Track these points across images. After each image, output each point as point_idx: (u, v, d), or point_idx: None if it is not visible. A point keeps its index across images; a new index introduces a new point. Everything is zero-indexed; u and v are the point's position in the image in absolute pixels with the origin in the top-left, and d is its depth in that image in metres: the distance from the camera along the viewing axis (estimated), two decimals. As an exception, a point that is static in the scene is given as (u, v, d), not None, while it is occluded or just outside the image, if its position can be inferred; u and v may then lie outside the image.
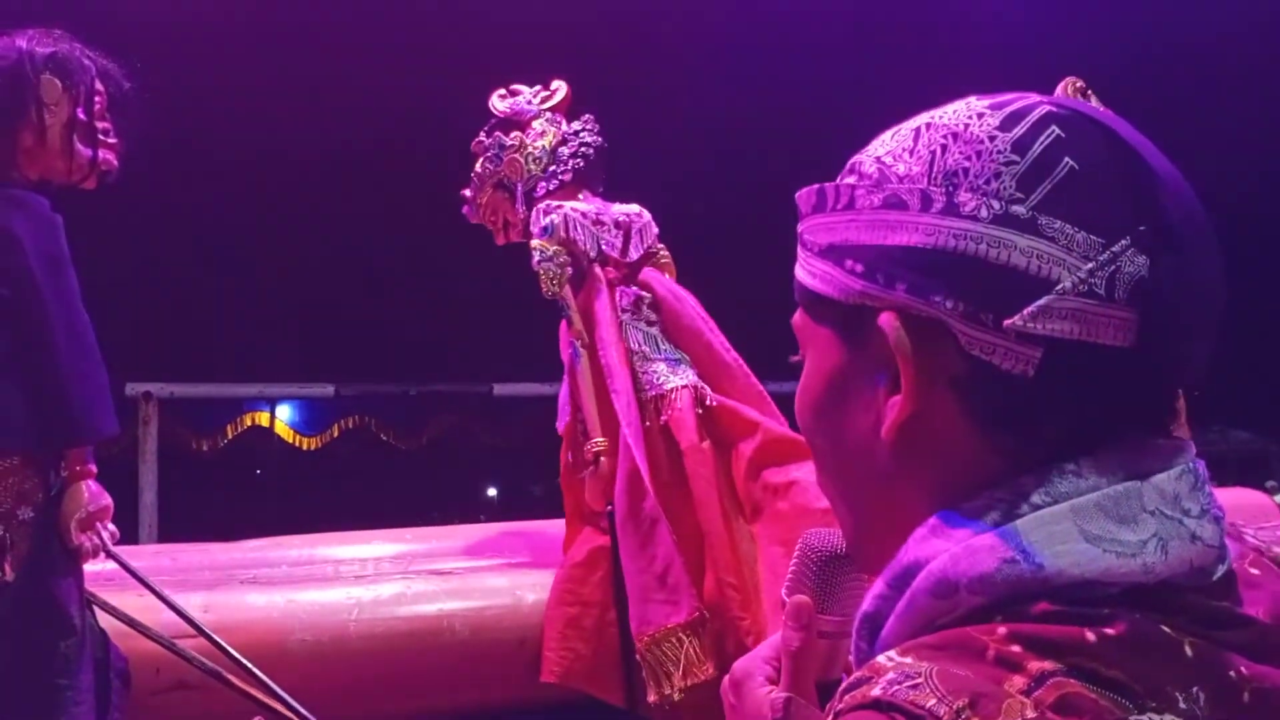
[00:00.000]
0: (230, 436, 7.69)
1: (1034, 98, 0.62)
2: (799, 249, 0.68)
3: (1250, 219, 5.97)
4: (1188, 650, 0.54)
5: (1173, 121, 5.24)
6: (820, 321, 0.66)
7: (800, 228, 0.68)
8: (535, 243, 2.79)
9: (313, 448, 7.91)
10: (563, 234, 2.80)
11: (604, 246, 2.86)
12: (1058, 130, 0.60)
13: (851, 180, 0.65)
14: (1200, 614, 0.56)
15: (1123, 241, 0.57)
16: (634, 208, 2.99)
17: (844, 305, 0.63)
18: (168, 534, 4.72)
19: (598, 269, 2.84)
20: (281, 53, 5.51)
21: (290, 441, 7.91)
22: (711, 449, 2.68)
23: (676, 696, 2.45)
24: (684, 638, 2.49)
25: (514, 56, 3.26)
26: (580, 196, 2.91)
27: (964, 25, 6.11)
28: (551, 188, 2.91)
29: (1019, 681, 0.51)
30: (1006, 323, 0.57)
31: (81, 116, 2.29)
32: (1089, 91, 3.33)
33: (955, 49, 5.91)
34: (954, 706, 0.50)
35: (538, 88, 3.04)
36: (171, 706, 2.34)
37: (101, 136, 2.33)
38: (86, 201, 2.36)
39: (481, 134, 2.99)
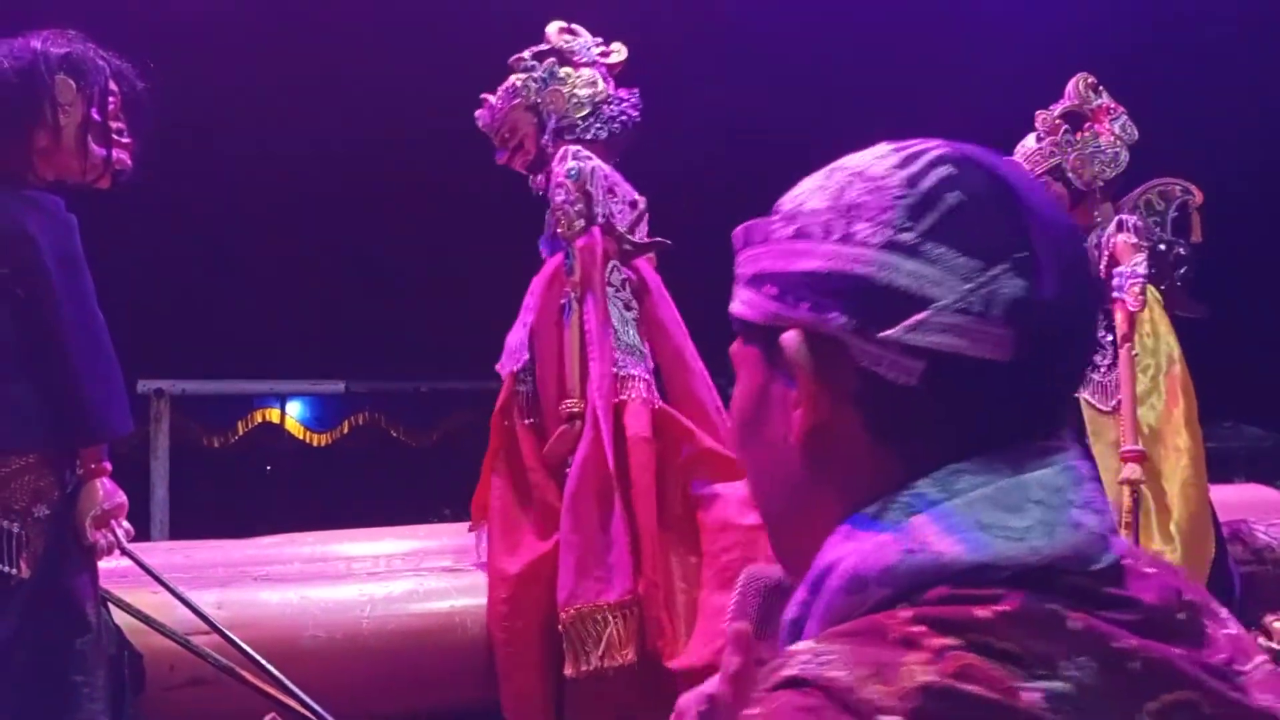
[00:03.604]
0: (241, 433, 7.71)
1: (934, 143, 0.69)
2: (734, 285, 0.75)
3: (1262, 215, 5.95)
4: (1073, 624, 0.59)
5: (1182, 115, 5.23)
6: (750, 345, 0.73)
7: (735, 265, 0.75)
8: (563, 178, 2.77)
9: (323, 444, 7.92)
10: (587, 185, 2.78)
11: (612, 216, 2.84)
12: (948, 169, 0.66)
13: (773, 218, 0.72)
14: (1086, 594, 0.62)
15: (1001, 265, 0.63)
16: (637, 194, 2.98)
17: (764, 327, 0.70)
18: (179, 530, 4.75)
19: (598, 232, 2.81)
20: (291, 49, 5.52)
21: (301, 438, 7.93)
22: (654, 447, 2.68)
23: (591, 670, 2.44)
24: (610, 618, 2.47)
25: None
26: (602, 160, 2.89)
27: (973, 24, 6.10)
28: (584, 138, 2.90)
29: (920, 656, 0.57)
30: (884, 334, 0.63)
31: (96, 116, 2.30)
32: (1100, 87, 3.32)
33: (965, 50, 5.90)
34: (859, 675, 0.56)
35: (599, 39, 3.03)
36: (186, 702, 2.36)
37: (116, 136, 2.34)
38: (99, 200, 2.38)
39: (526, 53, 2.96)
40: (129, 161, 2.37)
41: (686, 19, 5.85)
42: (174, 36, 4.45)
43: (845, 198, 0.68)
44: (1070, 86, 3.32)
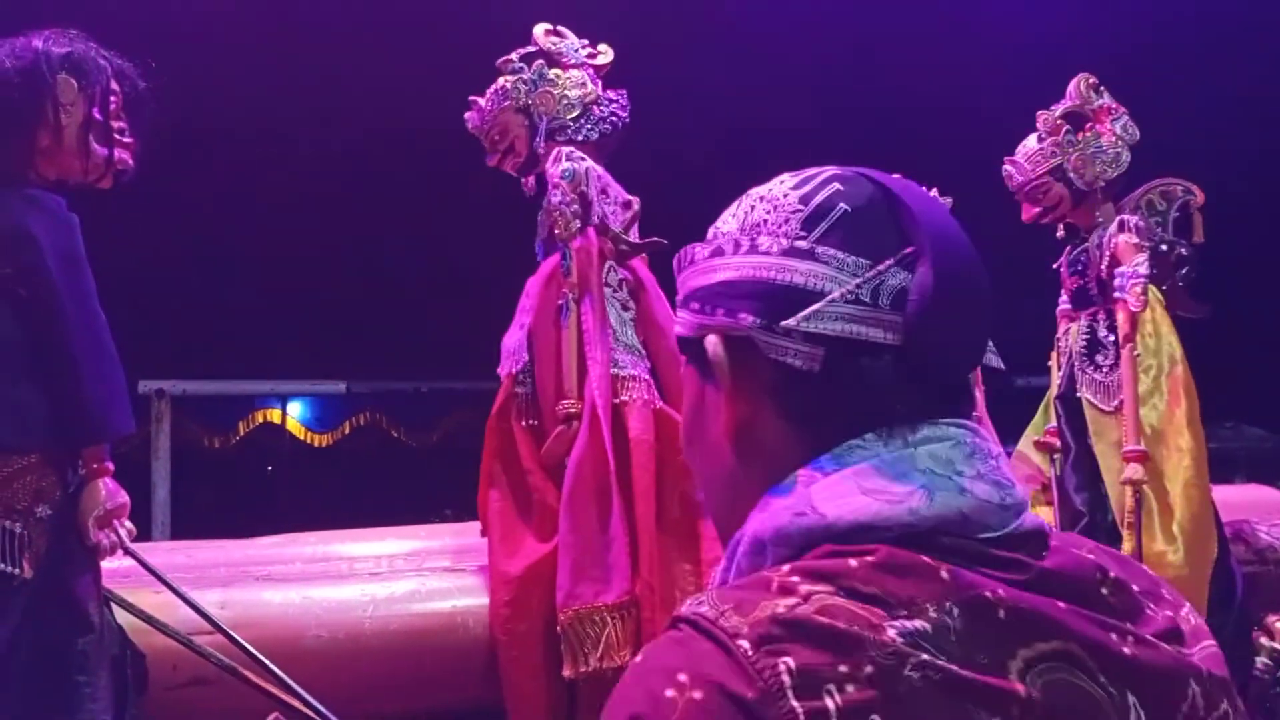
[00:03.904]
0: (242, 433, 7.72)
1: (826, 168, 0.79)
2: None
3: (1264, 216, 5.95)
4: (943, 574, 0.65)
5: (1184, 116, 5.23)
6: (689, 362, 0.82)
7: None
8: (559, 179, 2.78)
9: (324, 444, 7.93)
10: (581, 186, 2.79)
11: (606, 217, 2.85)
12: (838, 185, 0.76)
13: (696, 244, 0.82)
14: (966, 553, 0.67)
15: (887, 261, 0.72)
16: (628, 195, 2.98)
17: (694, 340, 0.79)
18: (180, 531, 4.75)
19: (594, 233, 2.81)
20: (292, 49, 5.52)
21: (302, 438, 7.93)
22: (655, 448, 2.67)
23: (590, 672, 2.43)
24: (608, 619, 2.47)
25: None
26: (594, 161, 2.89)
27: (975, 25, 6.10)
28: (575, 139, 2.90)
29: (790, 600, 0.63)
30: (787, 324, 0.72)
31: (97, 116, 2.30)
32: (1101, 87, 3.32)
33: (967, 50, 5.89)
34: (720, 609, 0.64)
35: (585, 41, 3.04)
36: (188, 702, 2.36)
37: (117, 136, 2.34)
38: (100, 200, 2.38)
39: (514, 55, 2.96)
40: (130, 161, 2.37)
41: (685, 17, 5.85)
42: (175, 36, 4.45)
43: (750, 218, 0.77)
44: (1072, 87, 3.31)
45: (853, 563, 0.65)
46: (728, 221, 0.80)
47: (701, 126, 5.98)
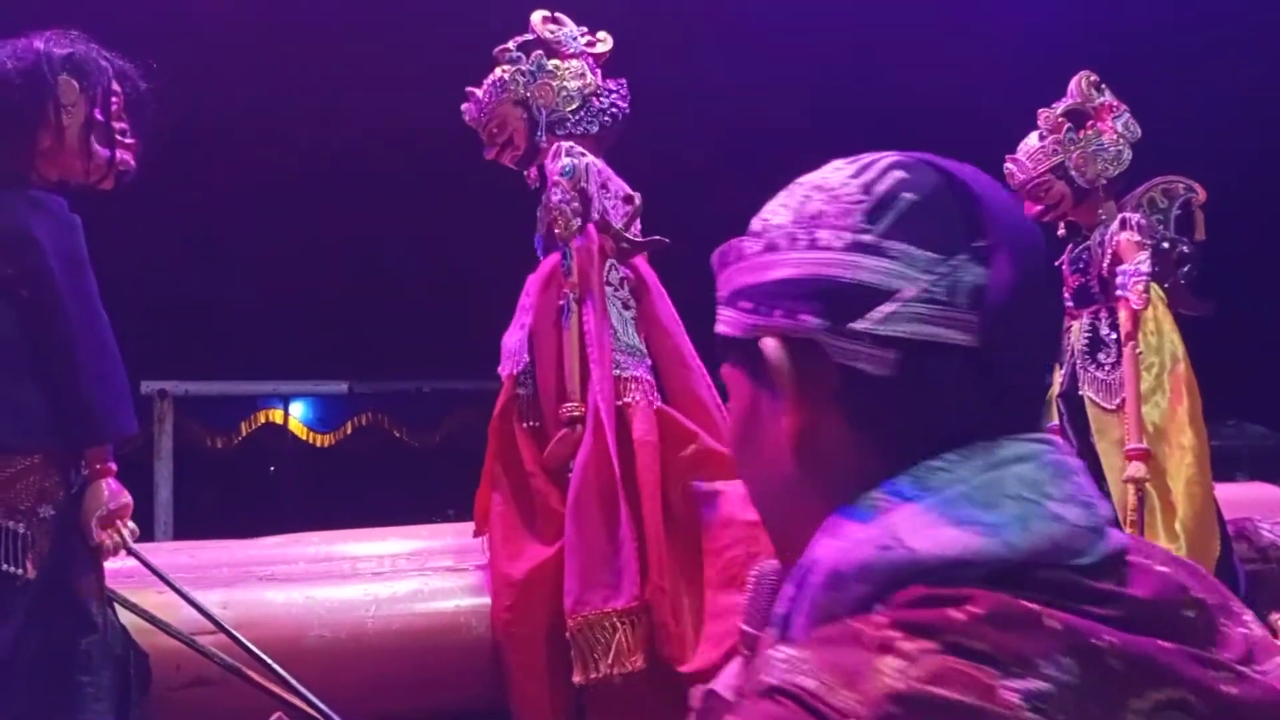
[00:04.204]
0: (245, 434, 7.73)
1: (884, 154, 0.72)
2: (717, 306, 0.78)
3: (1266, 213, 5.94)
4: (1050, 622, 0.60)
5: (1185, 113, 5.22)
6: (735, 364, 0.76)
7: (716, 287, 0.78)
8: (558, 177, 2.73)
9: (327, 445, 7.94)
10: (582, 182, 2.74)
11: (606, 213, 2.80)
12: (900, 172, 0.70)
13: (745, 238, 0.76)
14: (1063, 589, 0.62)
15: (960, 256, 0.66)
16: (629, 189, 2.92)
17: (744, 342, 0.73)
18: (183, 531, 4.76)
19: (594, 231, 2.76)
20: (293, 48, 5.53)
21: (304, 438, 7.94)
22: (659, 450, 2.65)
23: (601, 678, 2.41)
24: (618, 624, 2.44)
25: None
26: (593, 155, 2.85)
27: (976, 23, 6.10)
28: (574, 132, 2.85)
29: (894, 661, 0.58)
30: (859, 326, 0.66)
31: (99, 117, 2.30)
32: (1102, 85, 3.32)
33: (968, 48, 5.89)
34: (828, 684, 0.57)
35: (583, 29, 2.98)
36: (192, 702, 2.36)
37: (119, 137, 2.34)
38: (102, 201, 2.38)
39: (511, 44, 2.90)
40: (132, 162, 2.38)
41: (684, 16, 5.84)
42: (175, 36, 4.45)
43: (807, 209, 0.71)
44: (1073, 84, 3.31)
45: (956, 614, 0.59)
46: (778, 213, 0.74)
47: (700, 126, 5.98)
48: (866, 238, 0.68)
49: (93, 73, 2.30)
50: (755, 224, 0.75)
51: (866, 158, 0.72)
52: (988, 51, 5.72)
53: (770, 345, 0.70)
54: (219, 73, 5.13)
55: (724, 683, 0.86)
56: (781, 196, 0.75)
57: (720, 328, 0.76)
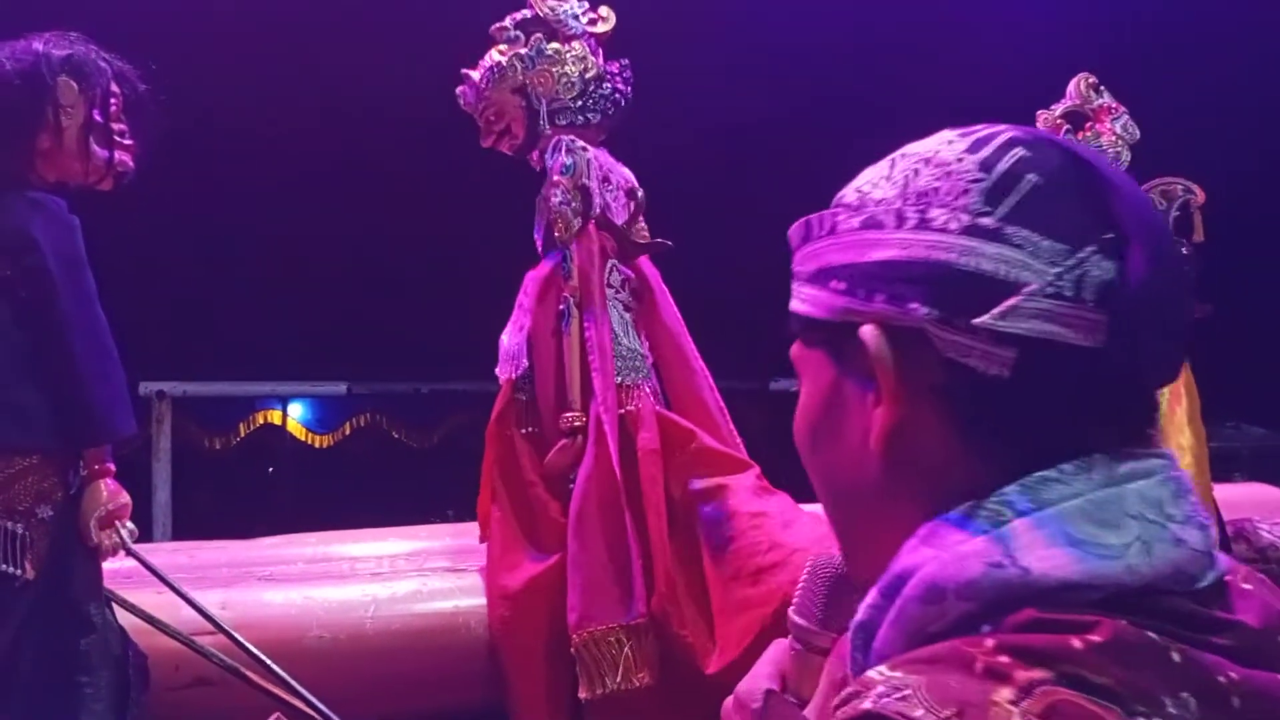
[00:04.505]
0: (243, 435, 7.72)
1: (1000, 127, 0.66)
2: (792, 284, 0.71)
3: (1264, 215, 5.94)
4: (1174, 656, 0.55)
5: (1184, 115, 5.23)
6: (812, 346, 0.69)
7: (792, 263, 0.72)
8: (558, 175, 2.63)
9: (325, 446, 7.93)
10: (582, 179, 2.64)
11: (608, 208, 2.70)
12: (1022, 150, 0.63)
13: (835, 210, 0.69)
14: (1185, 618, 0.58)
15: (1089, 248, 0.60)
16: (633, 178, 2.82)
17: (831, 324, 0.67)
18: (181, 532, 4.75)
19: (593, 230, 2.67)
20: (291, 48, 5.53)
21: (303, 439, 7.94)
22: (662, 455, 2.58)
23: (607, 694, 2.37)
24: (624, 640, 2.39)
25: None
26: (594, 143, 2.75)
27: (974, 24, 6.10)
28: (575, 122, 2.73)
29: (1007, 692, 0.52)
30: (976, 321, 0.60)
31: (98, 118, 2.30)
32: (1101, 87, 3.33)
33: (966, 49, 5.89)
34: (941, 716, 0.52)
35: (585, 5, 2.83)
36: (191, 703, 2.36)
37: (117, 138, 2.34)
38: (100, 202, 2.38)
39: (509, 22, 2.75)
40: (131, 163, 2.38)
41: (684, 16, 5.84)
42: (175, 36, 4.45)
43: (915, 185, 0.65)
44: (1071, 86, 3.32)
45: (1076, 644, 0.54)
46: (880, 186, 0.67)
47: (699, 125, 5.98)
48: (986, 221, 0.61)
49: (92, 74, 2.31)
50: (849, 196, 0.69)
51: (981, 130, 0.66)
52: (986, 52, 5.73)
53: (870, 333, 0.63)
54: (216, 72, 5.13)
55: (762, 682, 0.84)
56: (881, 168, 0.68)
57: (799, 306, 0.70)
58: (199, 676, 2.34)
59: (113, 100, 2.33)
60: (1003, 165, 0.63)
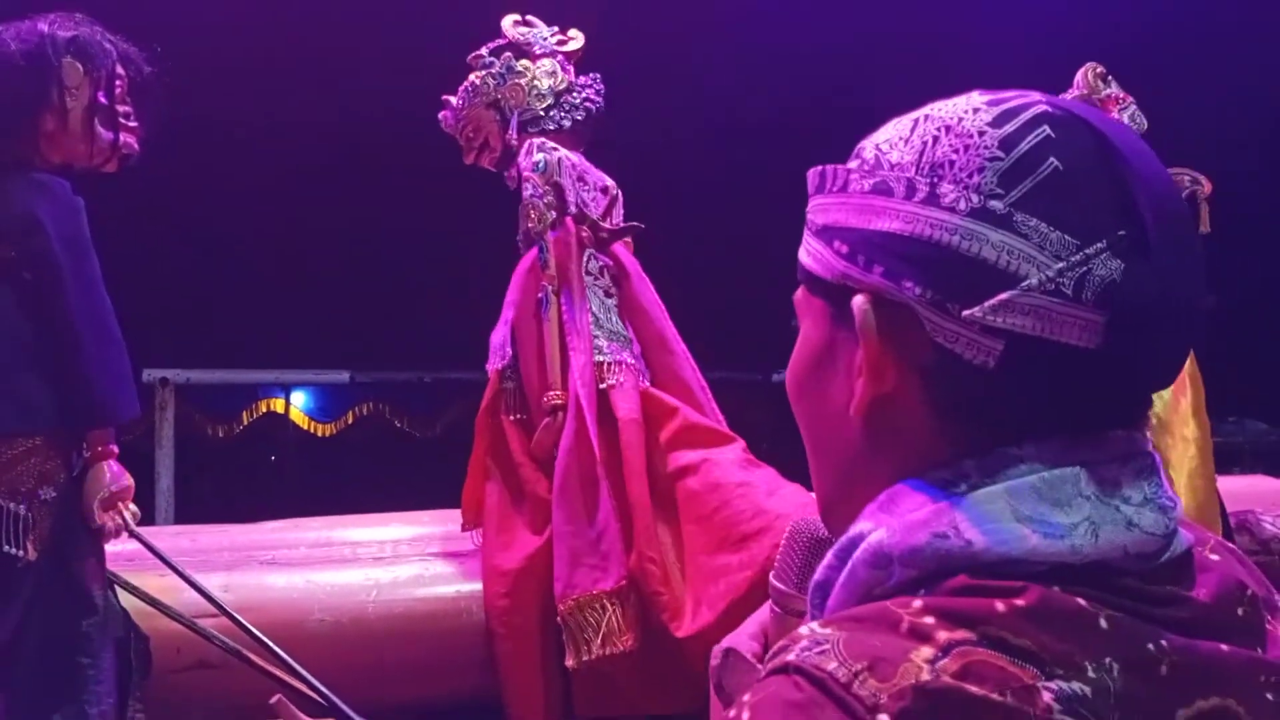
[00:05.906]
0: (246, 423, 7.72)
1: (1034, 96, 0.64)
2: (805, 228, 0.71)
3: (1271, 207, 5.93)
4: (1102, 623, 0.55)
5: (1191, 105, 5.21)
6: (814, 295, 0.69)
7: (807, 207, 0.70)
8: (529, 173, 2.77)
9: (328, 434, 7.93)
10: (555, 176, 2.77)
11: (584, 205, 2.83)
12: (1048, 130, 0.61)
13: (851, 164, 0.67)
14: (1128, 591, 0.58)
15: (1098, 245, 0.58)
16: (609, 179, 2.97)
17: (831, 284, 0.66)
18: (184, 519, 4.75)
19: (571, 223, 2.81)
20: (296, 36, 5.53)
21: (305, 428, 7.94)
22: (643, 425, 2.68)
23: (593, 660, 2.43)
24: (608, 605, 2.46)
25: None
26: (570, 149, 2.89)
27: (980, 14, 6.09)
28: (548, 129, 2.88)
29: (927, 651, 0.53)
30: (966, 313, 0.59)
31: (102, 100, 2.29)
32: (1109, 77, 3.31)
33: (972, 39, 5.88)
34: (853, 670, 0.53)
35: (554, 29, 3.01)
36: (193, 685, 2.36)
37: (122, 120, 2.34)
38: (104, 185, 2.38)
39: (484, 50, 2.94)
40: (136, 146, 2.38)
41: (683, 14, 5.83)
42: (179, 24, 4.45)
43: (932, 154, 0.63)
44: (1079, 76, 3.31)
45: (999, 606, 0.55)
46: (898, 147, 0.65)
47: (699, 124, 5.98)
48: (996, 205, 0.59)
49: (97, 55, 2.30)
50: (867, 150, 0.67)
51: (1011, 99, 0.63)
52: (993, 42, 5.71)
53: (861, 306, 0.63)
54: (221, 60, 5.13)
55: (743, 640, 0.85)
56: (903, 126, 0.66)
57: (804, 257, 0.69)
58: (201, 659, 2.34)
59: (118, 82, 2.33)
60: (1024, 145, 0.60)
